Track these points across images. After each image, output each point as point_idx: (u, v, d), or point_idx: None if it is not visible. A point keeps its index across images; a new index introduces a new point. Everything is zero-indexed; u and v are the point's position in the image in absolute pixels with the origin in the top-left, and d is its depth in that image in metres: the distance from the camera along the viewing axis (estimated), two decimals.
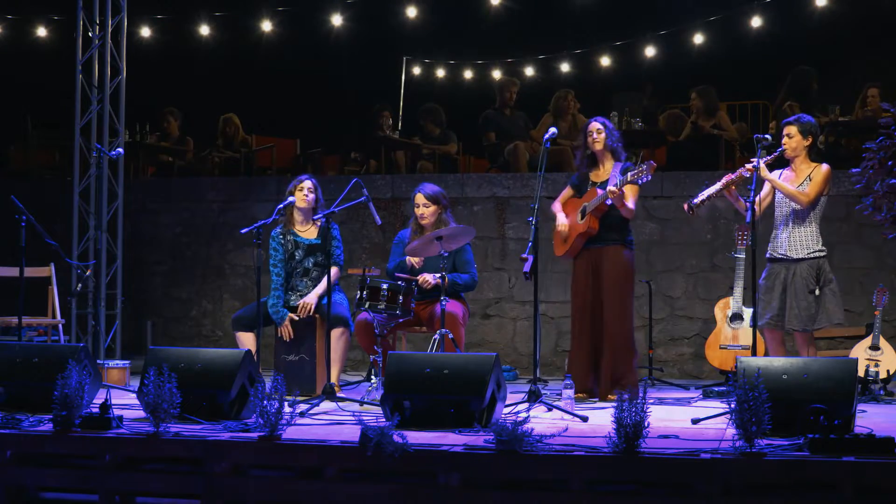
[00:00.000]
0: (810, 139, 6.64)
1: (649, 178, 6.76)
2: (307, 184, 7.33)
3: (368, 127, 11.29)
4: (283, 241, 7.33)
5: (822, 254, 6.62)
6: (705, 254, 9.24)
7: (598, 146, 7.14)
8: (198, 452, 5.11)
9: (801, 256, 6.58)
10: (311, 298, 7.12)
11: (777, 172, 6.78)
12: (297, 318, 7.13)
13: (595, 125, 7.19)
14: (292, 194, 7.29)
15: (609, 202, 6.93)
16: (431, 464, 4.83)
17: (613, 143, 7.16)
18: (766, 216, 6.78)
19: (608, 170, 7.14)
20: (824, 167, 6.63)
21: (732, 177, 6.69)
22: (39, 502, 5.42)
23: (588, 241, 7.08)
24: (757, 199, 6.42)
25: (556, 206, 7.30)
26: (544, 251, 8.20)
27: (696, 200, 6.77)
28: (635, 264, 7.23)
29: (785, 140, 6.65)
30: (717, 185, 6.72)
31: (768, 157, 6.65)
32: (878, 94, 9.80)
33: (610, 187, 6.85)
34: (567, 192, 7.32)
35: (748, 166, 6.60)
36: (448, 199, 7.47)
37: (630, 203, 6.95)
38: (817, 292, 6.52)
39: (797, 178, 6.65)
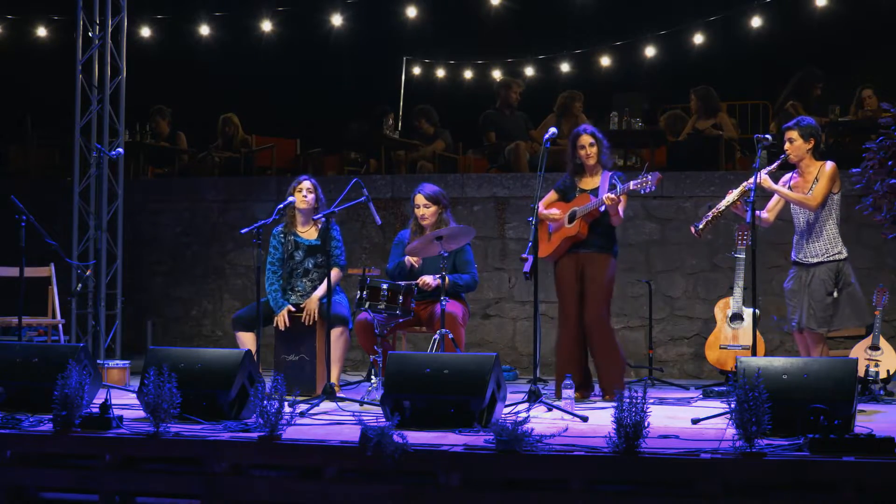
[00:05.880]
0: (812, 141, 6.59)
1: (653, 188, 6.69)
2: (306, 184, 7.32)
3: (369, 127, 11.28)
4: (283, 241, 7.33)
5: (841, 256, 6.54)
6: (705, 254, 9.23)
7: (592, 161, 7.05)
8: (198, 452, 5.11)
9: (818, 261, 6.55)
10: (314, 304, 7.11)
11: (787, 176, 6.73)
12: (297, 315, 7.12)
13: (587, 139, 7.05)
14: (292, 195, 7.29)
15: (603, 209, 6.89)
16: (431, 464, 4.83)
17: (604, 156, 7.08)
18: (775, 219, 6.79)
19: (597, 178, 7.08)
20: (828, 165, 6.57)
21: (735, 192, 6.61)
22: (39, 502, 5.42)
23: (574, 245, 7.03)
24: (771, 202, 6.40)
25: (542, 211, 7.08)
26: None
27: (700, 224, 6.70)
28: (618, 272, 7.25)
29: (787, 145, 6.60)
30: (721, 205, 6.65)
31: (771, 167, 6.62)
32: (873, 93, 9.80)
33: (609, 195, 6.75)
34: (551, 196, 7.20)
35: (752, 180, 6.56)
36: (448, 198, 7.46)
37: (621, 212, 6.91)
38: (836, 294, 6.50)
39: (806, 182, 6.59)
